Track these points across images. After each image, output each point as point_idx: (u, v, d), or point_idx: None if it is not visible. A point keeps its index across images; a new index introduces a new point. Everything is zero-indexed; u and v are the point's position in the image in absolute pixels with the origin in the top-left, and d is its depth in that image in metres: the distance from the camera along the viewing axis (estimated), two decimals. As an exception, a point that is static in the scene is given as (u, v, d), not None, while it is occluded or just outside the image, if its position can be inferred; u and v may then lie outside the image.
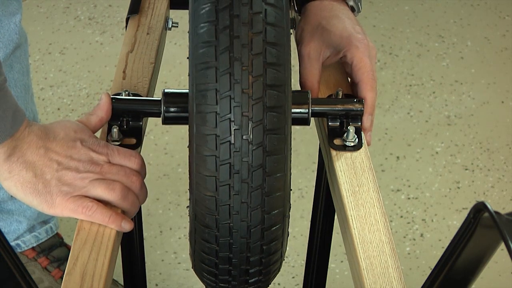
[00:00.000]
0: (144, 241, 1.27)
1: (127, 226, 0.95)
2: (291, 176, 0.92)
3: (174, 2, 1.25)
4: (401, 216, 1.94)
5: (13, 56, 1.47)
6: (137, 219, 1.17)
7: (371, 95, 1.07)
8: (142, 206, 1.03)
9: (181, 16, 1.11)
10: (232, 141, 0.85)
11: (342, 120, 1.06)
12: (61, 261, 1.69)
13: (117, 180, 0.96)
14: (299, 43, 1.12)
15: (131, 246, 1.19)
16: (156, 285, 1.77)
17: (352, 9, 1.15)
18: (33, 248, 1.68)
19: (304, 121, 1.02)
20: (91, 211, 0.94)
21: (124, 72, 1.12)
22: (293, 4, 1.16)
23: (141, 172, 0.99)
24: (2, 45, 1.42)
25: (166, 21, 1.22)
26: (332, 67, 1.14)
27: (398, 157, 2.08)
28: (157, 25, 1.19)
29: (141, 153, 1.02)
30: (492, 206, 0.71)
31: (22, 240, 1.66)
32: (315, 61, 1.10)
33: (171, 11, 1.26)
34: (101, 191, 0.95)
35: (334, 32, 1.10)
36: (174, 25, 1.23)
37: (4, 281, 0.78)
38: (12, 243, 1.65)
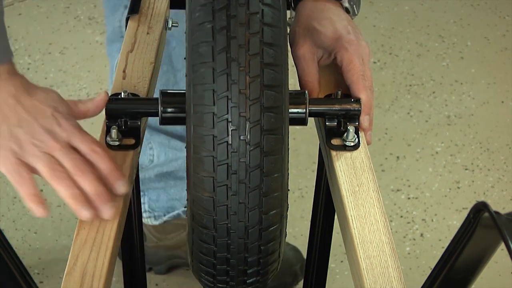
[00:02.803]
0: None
1: (39, 213, 0.92)
2: (290, 176, 0.92)
3: (174, 2, 1.25)
4: (401, 216, 1.94)
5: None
6: (137, 219, 1.16)
7: (364, 95, 1.06)
8: (141, 206, 1.02)
9: (181, 16, 1.11)
10: (230, 142, 0.85)
11: (340, 120, 1.05)
12: None
13: (64, 165, 0.93)
14: (292, 45, 1.11)
15: (131, 246, 1.19)
16: (156, 285, 1.77)
17: (347, 11, 1.14)
18: None
19: (301, 121, 1.02)
20: (22, 180, 0.92)
21: (124, 71, 1.11)
22: (291, 4, 1.16)
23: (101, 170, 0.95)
24: None
25: (166, 21, 1.21)
26: (332, 67, 1.13)
27: (398, 157, 2.08)
28: (157, 25, 1.19)
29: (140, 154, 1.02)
30: (492, 206, 0.71)
31: None
32: (311, 62, 1.09)
33: (171, 11, 1.26)
34: (41, 167, 0.93)
35: (324, 34, 1.09)
36: (174, 25, 1.23)
37: (4, 281, 0.78)
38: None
